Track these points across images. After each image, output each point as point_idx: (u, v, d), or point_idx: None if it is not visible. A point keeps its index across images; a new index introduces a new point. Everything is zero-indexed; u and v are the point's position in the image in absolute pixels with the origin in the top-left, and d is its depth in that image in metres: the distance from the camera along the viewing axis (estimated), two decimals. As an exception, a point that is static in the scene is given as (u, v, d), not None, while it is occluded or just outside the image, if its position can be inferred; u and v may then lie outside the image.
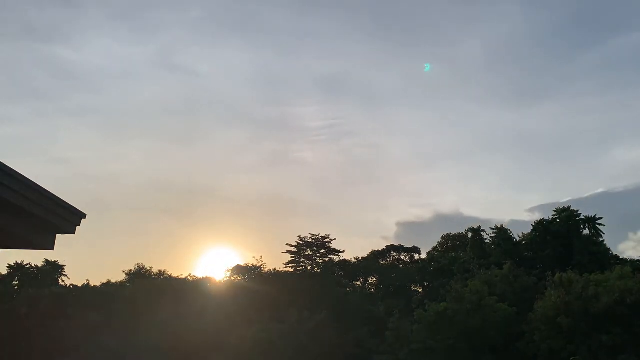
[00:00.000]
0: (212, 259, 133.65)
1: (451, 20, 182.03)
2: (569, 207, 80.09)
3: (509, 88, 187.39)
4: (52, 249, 6.81)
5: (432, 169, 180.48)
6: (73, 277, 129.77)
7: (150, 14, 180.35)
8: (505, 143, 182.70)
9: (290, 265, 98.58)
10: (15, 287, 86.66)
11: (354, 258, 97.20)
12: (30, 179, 5.83)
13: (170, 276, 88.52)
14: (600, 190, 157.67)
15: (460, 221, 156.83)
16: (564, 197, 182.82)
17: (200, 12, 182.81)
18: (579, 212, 79.52)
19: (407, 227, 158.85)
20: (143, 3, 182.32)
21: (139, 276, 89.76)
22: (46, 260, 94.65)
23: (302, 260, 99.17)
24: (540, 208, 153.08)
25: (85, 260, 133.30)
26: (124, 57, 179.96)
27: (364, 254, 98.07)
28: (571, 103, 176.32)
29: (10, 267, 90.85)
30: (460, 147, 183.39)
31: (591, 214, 78.90)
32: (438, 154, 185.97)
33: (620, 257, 77.71)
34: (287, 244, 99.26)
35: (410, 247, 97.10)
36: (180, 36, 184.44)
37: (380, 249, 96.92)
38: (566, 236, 76.44)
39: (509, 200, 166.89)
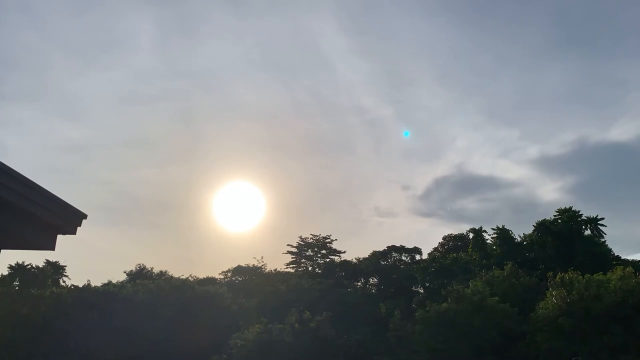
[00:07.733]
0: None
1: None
2: (570, 208, 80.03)
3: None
4: (53, 249, 6.74)
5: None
6: (74, 277, 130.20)
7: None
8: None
9: (291, 265, 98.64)
10: (16, 288, 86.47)
11: (355, 258, 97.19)
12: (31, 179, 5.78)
13: (171, 276, 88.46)
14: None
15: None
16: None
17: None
18: (580, 213, 79.50)
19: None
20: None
21: (140, 276, 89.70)
22: (47, 260, 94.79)
23: (303, 260, 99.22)
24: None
25: (86, 260, 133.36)
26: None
27: (364, 254, 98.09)
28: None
29: (11, 267, 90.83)
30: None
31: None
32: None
33: (622, 258, 77.69)
34: (288, 245, 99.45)
35: (412, 247, 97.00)
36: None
37: (381, 250, 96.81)
38: (568, 236, 76.37)
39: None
